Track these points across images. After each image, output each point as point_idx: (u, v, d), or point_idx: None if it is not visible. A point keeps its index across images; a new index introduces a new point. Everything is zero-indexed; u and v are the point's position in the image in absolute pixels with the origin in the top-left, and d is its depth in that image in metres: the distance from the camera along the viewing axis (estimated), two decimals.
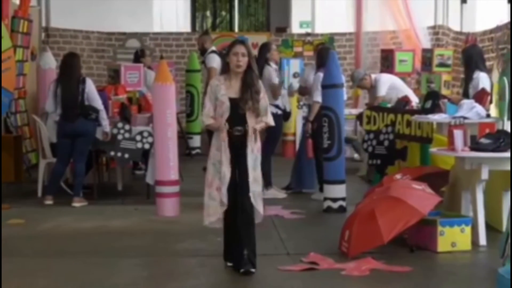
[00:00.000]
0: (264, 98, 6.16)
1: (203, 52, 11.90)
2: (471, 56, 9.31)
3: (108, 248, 7.20)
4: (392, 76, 11.28)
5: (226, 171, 6.03)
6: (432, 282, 6.09)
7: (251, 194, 6.04)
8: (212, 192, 6.11)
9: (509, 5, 11.43)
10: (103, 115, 9.25)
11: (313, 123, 9.46)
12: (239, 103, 6.02)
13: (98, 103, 9.24)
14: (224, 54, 11.95)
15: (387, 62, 12.70)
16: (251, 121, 6.07)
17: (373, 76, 10.96)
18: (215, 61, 11.43)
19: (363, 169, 11.01)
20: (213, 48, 11.87)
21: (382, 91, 10.59)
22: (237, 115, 6.05)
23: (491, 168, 7.06)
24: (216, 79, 6.29)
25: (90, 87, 9.24)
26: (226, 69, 6.22)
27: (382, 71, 12.17)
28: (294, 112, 12.77)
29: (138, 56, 12.76)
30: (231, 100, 6.05)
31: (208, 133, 11.23)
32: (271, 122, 6.26)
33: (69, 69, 9.25)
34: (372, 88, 10.80)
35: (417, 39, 14.36)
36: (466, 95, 9.23)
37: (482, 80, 9.01)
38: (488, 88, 8.94)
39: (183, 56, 16.54)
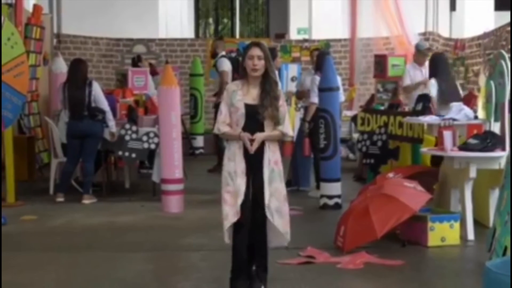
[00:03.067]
0: (283, 105, 5.36)
1: (214, 56, 11.91)
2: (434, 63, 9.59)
3: (116, 243, 7.20)
4: None
5: (241, 183, 5.27)
6: (423, 275, 6.09)
7: (266, 210, 5.27)
8: (224, 206, 5.32)
9: (510, 7, 11.44)
10: (109, 116, 9.27)
11: (310, 123, 9.49)
12: (258, 110, 5.25)
13: (104, 104, 9.26)
14: (234, 58, 12.01)
15: (380, 66, 12.66)
16: (268, 130, 5.31)
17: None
18: (226, 65, 11.45)
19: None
20: (223, 53, 11.86)
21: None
22: (253, 123, 5.27)
23: (479, 167, 7.06)
24: (234, 84, 5.49)
25: (97, 90, 9.27)
26: (243, 74, 5.39)
27: (375, 75, 12.14)
28: (292, 113, 12.78)
29: (136, 62, 12.88)
30: (248, 106, 5.28)
31: (215, 136, 11.32)
32: (289, 131, 5.42)
33: (75, 73, 9.29)
34: (423, 66, 10.62)
35: (409, 44, 14.33)
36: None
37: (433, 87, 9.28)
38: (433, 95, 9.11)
39: (187, 61, 16.53)
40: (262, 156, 5.29)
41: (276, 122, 5.30)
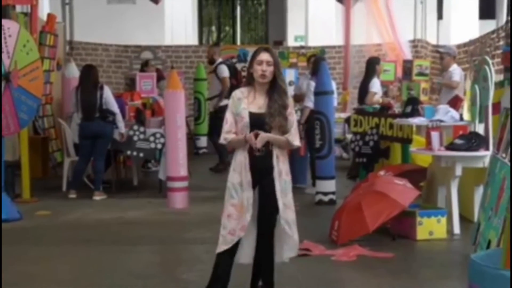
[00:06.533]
0: (291, 113, 4.77)
1: (211, 62, 11.84)
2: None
3: (125, 237, 7.20)
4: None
5: (249, 196, 4.70)
6: (412, 266, 6.09)
7: (283, 222, 4.74)
8: (224, 220, 4.81)
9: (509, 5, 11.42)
10: (119, 118, 9.29)
11: (304, 125, 9.52)
12: (265, 119, 4.67)
13: (114, 107, 9.28)
14: (231, 65, 11.96)
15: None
16: None
17: (454, 65, 10.52)
18: (226, 71, 11.42)
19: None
20: (220, 59, 11.84)
21: (457, 77, 10.24)
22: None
23: (464, 165, 7.07)
24: (239, 91, 4.83)
25: (107, 93, 9.29)
26: (250, 80, 4.81)
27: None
28: None
29: (142, 66, 13.06)
30: (253, 115, 4.70)
31: (211, 137, 11.28)
32: (296, 142, 4.79)
33: (87, 78, 9.32)
34: (446, 72, 10.43)
35: (401, 50, 14.35)
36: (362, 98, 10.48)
37: (376, 84, 10.42)
38: (376, 91, 10.44)
39: (191, 66, 16.54)
40: (270, 166, 4.73)
41: (283, 131, 4.72)
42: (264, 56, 4.72)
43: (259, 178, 4.75)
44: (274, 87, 4.75)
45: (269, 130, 4.70)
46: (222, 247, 4.77)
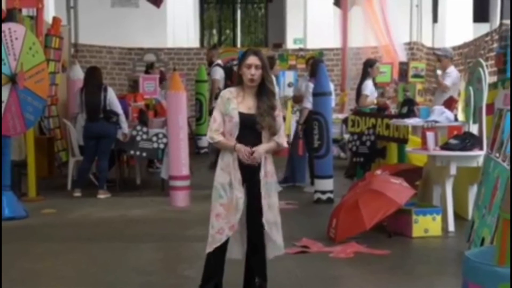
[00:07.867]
0: (279, 115, 4.71)
1: (210, 64, 11.90)
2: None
3: (128, 234, 7.20)
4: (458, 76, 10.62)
5: (240, 195, 4.61)
6: (408, 263, 6.09)
7: (264, 223, 4.63)
8: (212, 219, 4.69)
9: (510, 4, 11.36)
10: (122, 118, 9.29)
11: (303, 125, 9.52)
12: (256, 119, 4.61)
13: (118, 108, 9.28)
14: (228, 66, 11.98)
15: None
16: (265, 140, 4.66)
17: (452, 67, 10.31)
18: (218, 74, 11.48)
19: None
20: (218, 61, 11.87)
21: (449, 81, 9.95)
22: (248, 132, 4.63)
23: (459, 165, 7.07)
24: (228, 91, 4.77)
25: (111, 94, 9.29)
26: (239, 81, 4.74)
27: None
28: (289, 116, 12.78)
29: (147, 68, 13.09)
30: (243, 115, 4.63)
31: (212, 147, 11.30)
32: (284, 143, 4.76)
33: (91, 79, 9.33)
34: (444, 73, 10.23)
35: (395, 53, 14.36)
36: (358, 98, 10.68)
37: (368, 86, 10.55)
38: (369, 93, 10.54)
39: (193, 68, 16.53)
40: (257, 167, 4.63)
41: (272, 132, 4.66)
42: (253, 60, 4.65)
43: (247, 178, 4.66)
44: (263, 89, 4.69)
45: (260, 130, 4.65)
46: (211, 246, 4.70)
